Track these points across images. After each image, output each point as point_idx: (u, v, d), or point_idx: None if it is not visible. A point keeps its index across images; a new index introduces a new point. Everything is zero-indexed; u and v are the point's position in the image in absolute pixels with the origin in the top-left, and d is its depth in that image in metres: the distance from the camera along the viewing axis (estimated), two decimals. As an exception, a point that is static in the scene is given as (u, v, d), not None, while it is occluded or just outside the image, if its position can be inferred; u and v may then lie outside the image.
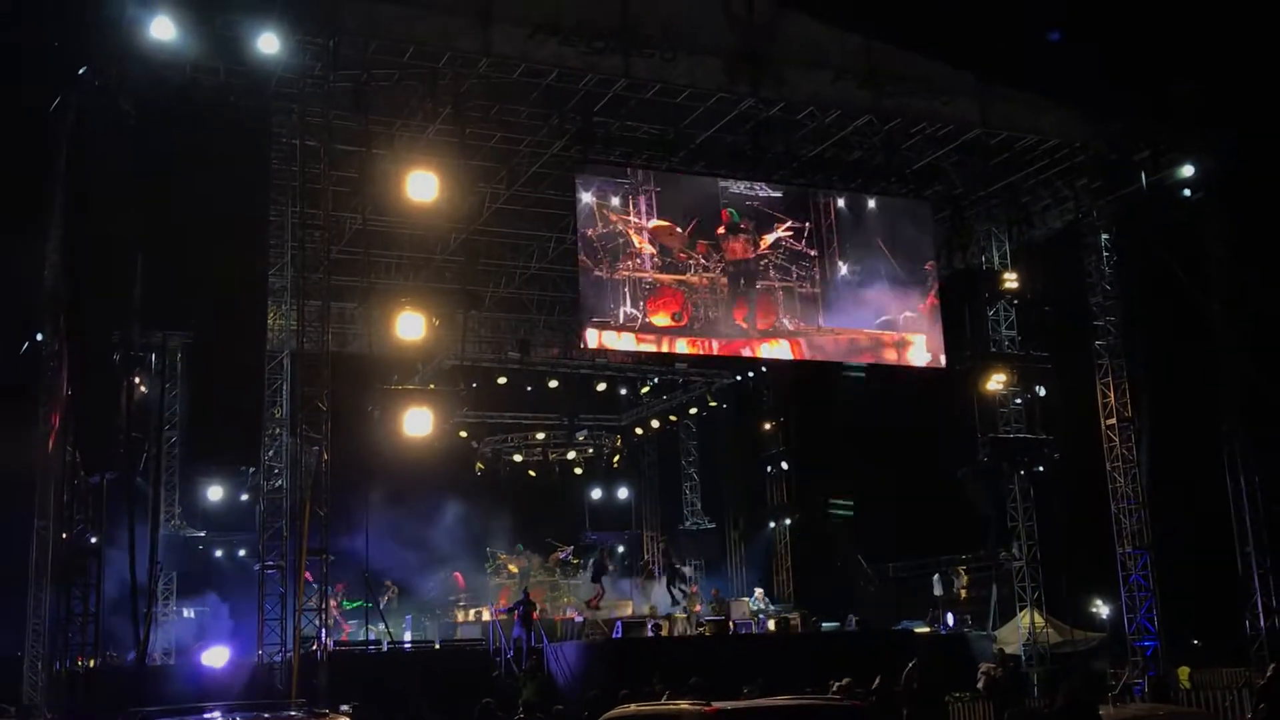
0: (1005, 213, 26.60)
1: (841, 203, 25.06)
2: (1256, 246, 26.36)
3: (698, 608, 27.51)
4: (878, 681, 18.02)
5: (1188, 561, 27.02)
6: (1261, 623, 24.63)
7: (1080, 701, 10.17)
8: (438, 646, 25.45)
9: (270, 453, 23.59)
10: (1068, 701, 10.80)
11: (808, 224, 24.68)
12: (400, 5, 19.98)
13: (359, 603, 28.36)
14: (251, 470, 26.53)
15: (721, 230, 23.96)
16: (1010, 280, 25.88)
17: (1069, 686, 12.24)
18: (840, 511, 30.92)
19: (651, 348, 24.15)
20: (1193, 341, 26.22)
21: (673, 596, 28.45)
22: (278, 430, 23.31)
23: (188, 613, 26.32)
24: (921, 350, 25.54)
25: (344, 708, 15.22)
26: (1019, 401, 26.37)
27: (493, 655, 23.04)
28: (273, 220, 23.21)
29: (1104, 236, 26.68)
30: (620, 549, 34.30)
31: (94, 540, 21.31)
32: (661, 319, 23.19)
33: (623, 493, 38.11)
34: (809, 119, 23.26)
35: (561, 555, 31.51)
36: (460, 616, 27.95)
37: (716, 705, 11.38)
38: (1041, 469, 26.32)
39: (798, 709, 11.89)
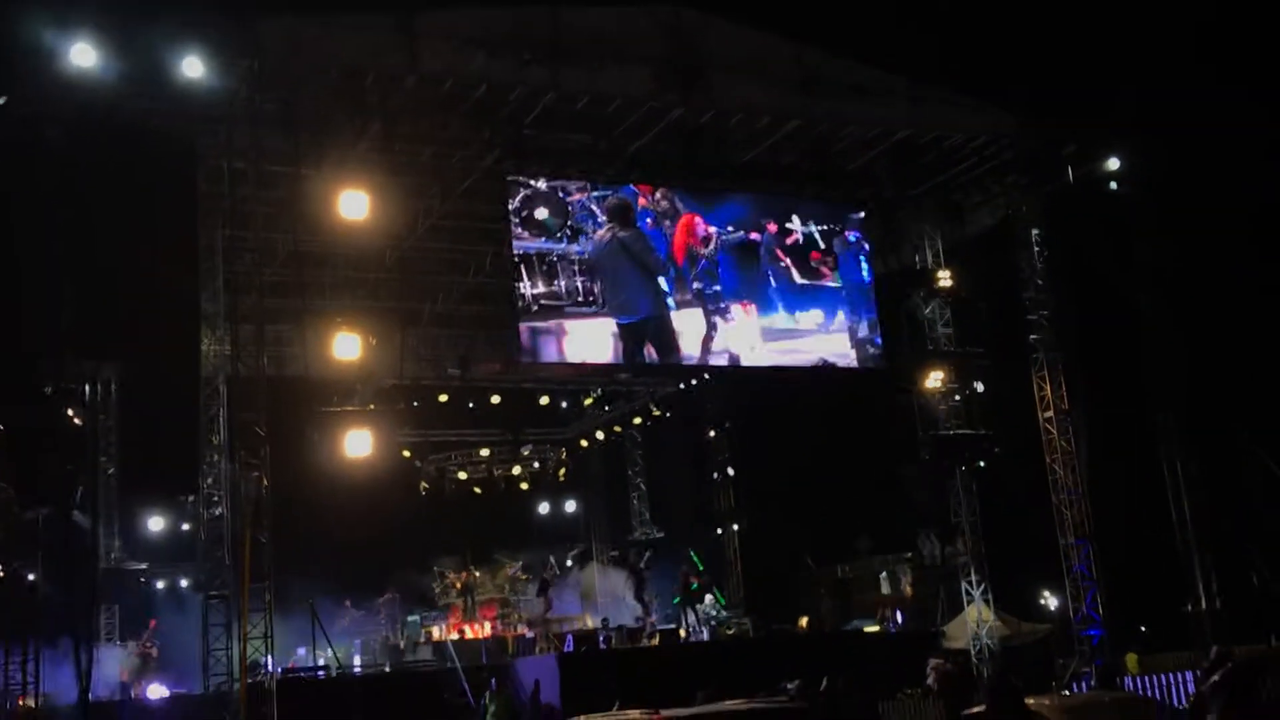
0: (937, 211, 26.85)
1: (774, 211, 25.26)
2: (1184, 238, 26.84)
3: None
4: (825, 683, 18.18)
5: (1130, 549, 27.41)
6: (1203, 605, 25.07)
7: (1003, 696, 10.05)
8: (388, 670, 25.18)
9: (209, 480, 23.22)
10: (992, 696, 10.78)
11: (745, 231, 24.84)
12: (323, 24, 19.79)
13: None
14: (191, 499, 26.08)
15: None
16: (944, 278, 26.07)
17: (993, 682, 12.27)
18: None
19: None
20: (1124, 333, 26.66)
21: (644, 606, 28.45)
22: (216, 457, 22.98)
23: (132, 646, 25.79)
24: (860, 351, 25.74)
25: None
26: (958, 398, 26.54)
27: (444, 676, 22.83)
28: (203, 244, 22.90)
29: (1034, 232, 27.01)
30: (569, 562, 34.13)
31: (31, 577, 20.93)
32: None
33: (570, 506, 37.95)
34: (740, 126, 23.35)
35: (511, 571, 31.34)
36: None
37: (665, 713, 11.41)
38: (983, 464, 26.51)
39: (742, 714, 11.97)
